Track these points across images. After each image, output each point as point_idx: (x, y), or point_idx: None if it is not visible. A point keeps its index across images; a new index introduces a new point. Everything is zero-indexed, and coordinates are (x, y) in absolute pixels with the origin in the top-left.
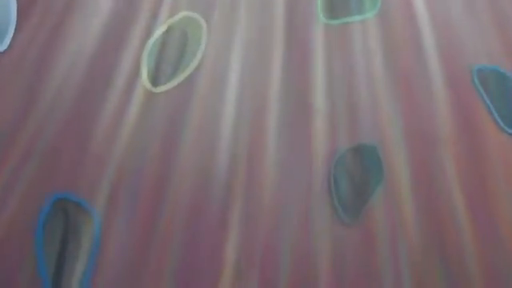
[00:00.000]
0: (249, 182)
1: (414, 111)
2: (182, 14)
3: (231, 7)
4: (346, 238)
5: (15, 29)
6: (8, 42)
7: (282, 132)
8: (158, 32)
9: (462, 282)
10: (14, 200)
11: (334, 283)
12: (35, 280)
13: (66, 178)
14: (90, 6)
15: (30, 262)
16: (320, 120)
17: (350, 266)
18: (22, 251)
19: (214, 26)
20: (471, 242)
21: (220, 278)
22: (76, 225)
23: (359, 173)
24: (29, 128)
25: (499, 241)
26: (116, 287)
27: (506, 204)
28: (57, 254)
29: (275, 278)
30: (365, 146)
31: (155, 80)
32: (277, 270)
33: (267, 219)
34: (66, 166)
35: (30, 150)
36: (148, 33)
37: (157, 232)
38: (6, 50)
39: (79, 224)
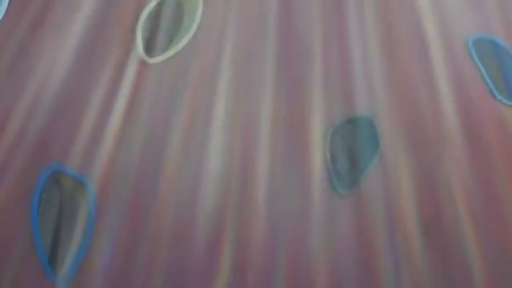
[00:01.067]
0: (244, 145)
1: (410, 82)
2: None
3: None
4: (341, 210)
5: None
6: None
7: (277, 102)
8: (153, 1)
9: (458, 253)
10: (9, 175)
11: (328, 257)
12: (32, 255)
13: (61, 151)
14: None
15: (25, 239)
16: (314, 91)
17: (344, 238)
18: (17, 227)
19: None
20: (468, 213)
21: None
22: (71, 198)
23: (355, 144)
24: (22, 102)
25: (498, 212)
26: (111, 261)
27: (502, 174)
28: (53, 228)
29: (272, 250)
30: (359, 118)
31: (150, 51)
32: (274, 244)
33: (262, 190)
34: (61, 139)
35: (24, 124)
36: (142, 2)
37: (153, 203)
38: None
39: (75, 197)
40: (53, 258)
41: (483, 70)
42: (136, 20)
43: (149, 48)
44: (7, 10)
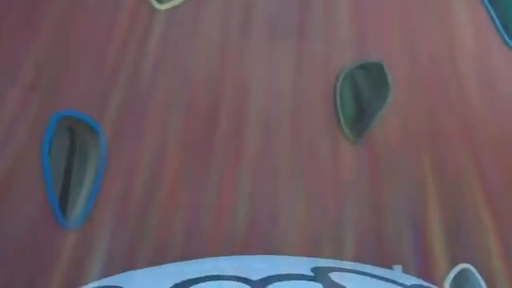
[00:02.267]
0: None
1: (423, 29)
2: None
3: None
4: (352, 156)
5: None
6: None
7: (286, 49)
8: None
9: (464, 194)
10: (23, 116)
11: (338, 198)
12: (44, 206)
13: (74, 98)
14: None
15: (38, 184)
16: (323, 38)
17: (351, 197)
18: (26, 176)
19: None
20: (474, 157)
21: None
22: (82, 142)
23: (365, 90)
24: (37, 49)
25: (505, 155)
26: (118, 209)
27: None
28: (64, 172)
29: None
30: (370, 63)
31: None
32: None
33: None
34: (74, 85)
35: (39, 70)
36: None
37: (162, 150)
38: None
39: (87, 142)
40: (65, 204)
41: (495, 17)
42: None
43: None
44: None
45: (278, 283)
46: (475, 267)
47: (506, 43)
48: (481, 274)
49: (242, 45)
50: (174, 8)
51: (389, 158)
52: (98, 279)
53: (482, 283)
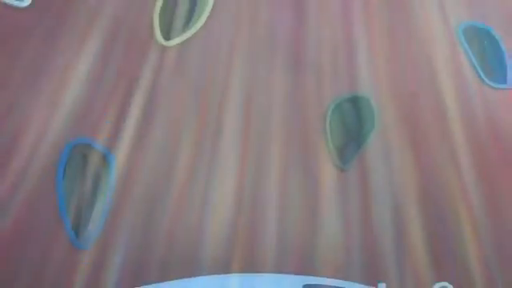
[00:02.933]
0: (252, 122)
1: (407, 66)
2: None
3: None
4: (340, 183)
5: None
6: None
7: (286, 82)
8: None
9: (447, 217)
10: (40, 144)
11: (320, 243)
12: (57, 227)
13: (90, 128)
14: None
15: (52, 203)
16: (315, 71)
17: (341, 220)
18: (41, 198)
19: None
20: (457, 183)
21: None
22: (94, 168)
23: (353, 121)
24: (52, 83)
25: (486, 180)
26: (127, 235)
27: (490, 149)
28: (77, 199)
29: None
30: (357, 97)
31: (165, 35)
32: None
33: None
34: (90, 118)
35: (55, 102)
36: None
37: (171, 171)
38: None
39: (98, 169)
40: (77, 225)
41: (473, 58)
42: (154, 6)
43: (166, 33)
44: None
45: None
46: (455, 286)
47: (482, 80)
48: None
49: (246, 75)
50: (181, 44)
51: (374, 183)
52: None
53: None
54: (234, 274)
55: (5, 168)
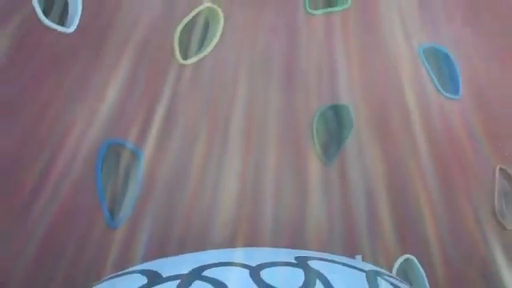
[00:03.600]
0: (253, 127)
1: (379, 80)
2: (206, 4)
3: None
4: (325, 175)
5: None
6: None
7: (281, 94)
8: (188, 16)
9: (411, 205)
10: (82, 143)
11: (308, 223)
12: (96, 210)
13: (123, 130)
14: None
15: (92, 197)
16: (304, 85)
17: (325, 204)
18: (83, 187)
19: (230, 16)
20: (418, 176)
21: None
22: (127, 164)
23: (335, 124)
24: (92, 95)
25: (444, 178)
26: (153, 212)
27: (446, 151)
28: (112, 188)
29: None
30: (340, 106)
31: (183, 55)
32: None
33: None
34: (124, 121)
35: (95, 108)
36: (180, 17)
37: (187, 166)
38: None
39: (129, 164)
40: (112, 208)
41: (432, 74)
42: (174, 31)
43: (183, 52)
44: (79, 23)
45: (270, 268)
46: (417, 258)
47: (440, 92)
48: (421, 264)
49: (247, 89)
50: (198, 61)
51: (351, 174)
52: (139, 264)
53: (422, 271)
54: (237, 248)
55: (55, 162)
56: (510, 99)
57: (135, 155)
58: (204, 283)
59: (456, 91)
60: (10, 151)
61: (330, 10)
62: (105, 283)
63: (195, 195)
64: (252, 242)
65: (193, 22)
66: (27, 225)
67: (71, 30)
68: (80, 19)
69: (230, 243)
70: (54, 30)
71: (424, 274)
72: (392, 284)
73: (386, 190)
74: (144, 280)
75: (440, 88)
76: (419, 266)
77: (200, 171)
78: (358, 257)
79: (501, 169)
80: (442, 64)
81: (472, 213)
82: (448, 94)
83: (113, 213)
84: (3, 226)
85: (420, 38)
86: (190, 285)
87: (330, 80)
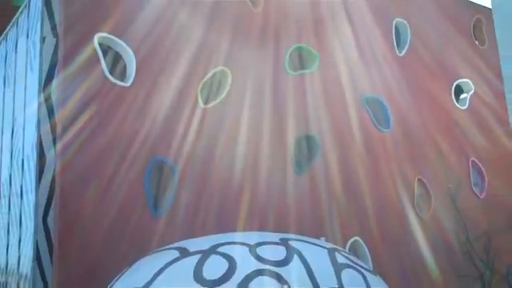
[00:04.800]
0: (251, 156)
1: (338, 117)
2: (220, 67)
3: (245, 65)
4: (299, 182)
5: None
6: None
7: (270, 126)
8: (207, 76)
9: (359, 201)
10: (135, 159)
11: (288, 214)
12: (144, 204)
13: (163, 150)
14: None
15: (142, 195)
16: (286, 121)
17: (299, 201)
18: (137, 189)
19: (235, 75)
20: (361, 179)
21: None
22: (166, 175)
23: (306, 147)
24: (142, 132)
25: (379, 184)
26: (184, 206)
27: (384, 169)
28: (156, 190)
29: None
30: (310, 136)
31: (205, 101)
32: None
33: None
34: (163, 145)
35: (141, 136)
36: (202, 76)
37: (207, 176)
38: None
39: (168, 175)
40: (156, 204)
41: (371, 114)
42: (198, 85)
43: (205, 99)
44: (134, 79)
45: (262, 246)
46: (362, 239)
47: (376, 126)
48: (366, 244)
49: (248, 121)
50: (212, 106)
51: (317, 180)
52: (174, 243)
53: (367, 251)
54: (241, 233)
55: (117, 172)
56: (426, 129)
57: (172, 168)
58: (218, 256)
59: (388, 125)
60: (91, 162)
61: (302, 71)
62: (150, 256)
63: (212, 196)
64: (249, 226)
65: (211, 78)
66: (100, 213)
67: (128, 84)
68: (134, 76)
69: (235, 226)
70: (115, 84)
71: (367, 250)
72: (345, 257)
73: (341, 192)
74: (177, 254)
75: (376, 123)
76: (364, 245)
77: (216, 178)
78: (322, 238)
79: (419, 179)
80: (377, 106)
81: (399, 209)
82: (382, 128)
83: (156, 206)
84: (88, 214)
85: (363, 90)
86: (209, 257)
87: (303, 119)
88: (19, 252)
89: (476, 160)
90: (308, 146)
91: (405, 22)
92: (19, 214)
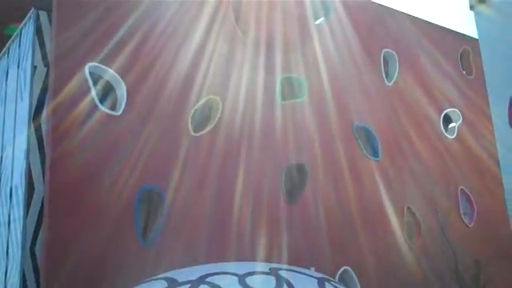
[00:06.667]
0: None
1: (327, 149)
2: (209, 96)
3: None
4: (291, 210)
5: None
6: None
7: (260, 155)
8: (198, 104)
9: (344, 228)
10: (125, 188)
11: (279, 244)
12: (134, 234)
13: (152, 179)
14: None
15: (132, 225)
16: (277, 150)
17: (290, 230)
18: (126, 218)
19: (225, 104)
20: (351, 206)
21: None
22: (156, 203)
23: (297, 176)
24: (138, 164)
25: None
26: (173, 236)
27: (368, 184)
28: (145, 219)
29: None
30: (300, 164)
31: (195, 129)
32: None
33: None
34: (152, 174)
35: (132, 162)
36: (193, 104)
37: (198, 202)
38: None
39: (158, 203)
40: (145, 233)
41: (361, 142)
42: (188, 113)
43: (195, 128)
44: (124, 108)
45: (252, 276)
46: (352, 269)
47: (365, 155)
48: (356, 274)
49: (238, 151)
50: (203, 134)
51: (311, 209)
52: (163, 273)
53: (357, 281)
54: (230, 262)
55: (107, 201)
56: (415, 157)
57: (160, 196)
58: (206, 286)
59: (377, 154)
60: (80, 191)
61: (293, 100)
62: (139, 287)
63: (202, 225)
64: (239, 256)
65: (202, 106)
66: (89, 242)
67: (119, 112)
68: (125, 105)
69: (224, 256)
70: (106, 113)
71: (357, 280)
72: (335, 287)
73: (332, 221)
74: (165, 284)
75: (366, 152)
76: (354, 275)
77: (206, 206)
78: (312, 268)
79: (408, 208)
80: (366, 135)
81: (389, 238)
82: (371, 156)
83: (145, 236)
84: (76, 244)
85: (352, 119)
86: (197, 287)
87: (294, 147)
88: (5, 283)
89: (465, 189)
90: (299, 175)
91: (393, 52)
92: (6, 243)
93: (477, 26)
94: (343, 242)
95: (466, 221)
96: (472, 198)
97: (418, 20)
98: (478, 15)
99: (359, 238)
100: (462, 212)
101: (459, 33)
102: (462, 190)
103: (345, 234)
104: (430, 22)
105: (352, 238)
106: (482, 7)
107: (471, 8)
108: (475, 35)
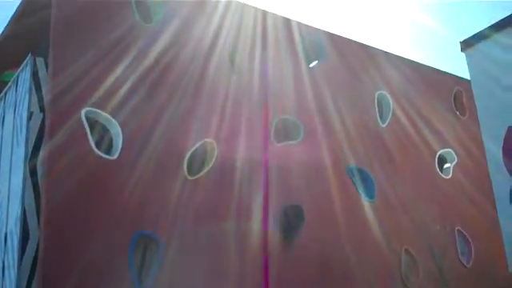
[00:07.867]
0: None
1: (322, 189)
2: (205, 139)
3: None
4: (288, 250)
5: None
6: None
7: (255, 195)
8: (192, 148)
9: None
10: (120, 234)
11: (277, 285)
12: (129, 280)
13: (146, 224)
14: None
15: (127, 271)
16: (273, 192)
17: (287, 272)
18: (121, 264)
19: (220, 146)
20: (345, 243)
21: None
22: (151, 248)
23: (293, 217)
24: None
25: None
26: (168, 285)
27: (364, 225)
28: (140, 264)
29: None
30: (295, 205)
31: (189, 173)
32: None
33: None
34: (146, 220)
35: (127, 207)
36: (188, 149)
37: (192, 253)
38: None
39: (152, 248)
40: (140, 279)
41: (356, 183)
42: (184, 157)
43: (189, 171)
44: (120, 152)
45: None
46: None
47: (360, 196)
48: None
49: (232, 198)
50: (198, 178)
51: (306, 251)
52: None
53: None
54: None
55: (101, 247)
56: (411, 198)
57: (156, 241)
58: None
59: (372, 195)
60: (75, 237)
61: (287, 142)
62: None
63: (198, 271)
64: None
65: (197, 150)
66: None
67: (114, 156)
68: (120, 150)
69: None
70: (104, 158)
71: None
72: None
73: (329, 264)
74: None
75: (361, 193)
76: None
77: (203, 254)
78: None
79: (405, 249)
80: (361, 177)
81: (387, 279)
82: (367, 198)
83: (140, 279)
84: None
85: (347, 162)
86: None
87: (289, 189)
88: None
89: (462, 229)
90: (294, 215)
91: (387, 94)
92: None
93: (468, 67)
94: (341, 284)
95: (464, 261)
96: (469, 238)
97: (411, 62)
98: (468, 57)
99: (356, 281)
100: (459, 252)
101: (452, 74)
102: (458, 230)
103: (342, 276)
104: (423, 64)
105: (349, 281)
106: (471, 50)
107: (462, 50)
108: (467, 76)
